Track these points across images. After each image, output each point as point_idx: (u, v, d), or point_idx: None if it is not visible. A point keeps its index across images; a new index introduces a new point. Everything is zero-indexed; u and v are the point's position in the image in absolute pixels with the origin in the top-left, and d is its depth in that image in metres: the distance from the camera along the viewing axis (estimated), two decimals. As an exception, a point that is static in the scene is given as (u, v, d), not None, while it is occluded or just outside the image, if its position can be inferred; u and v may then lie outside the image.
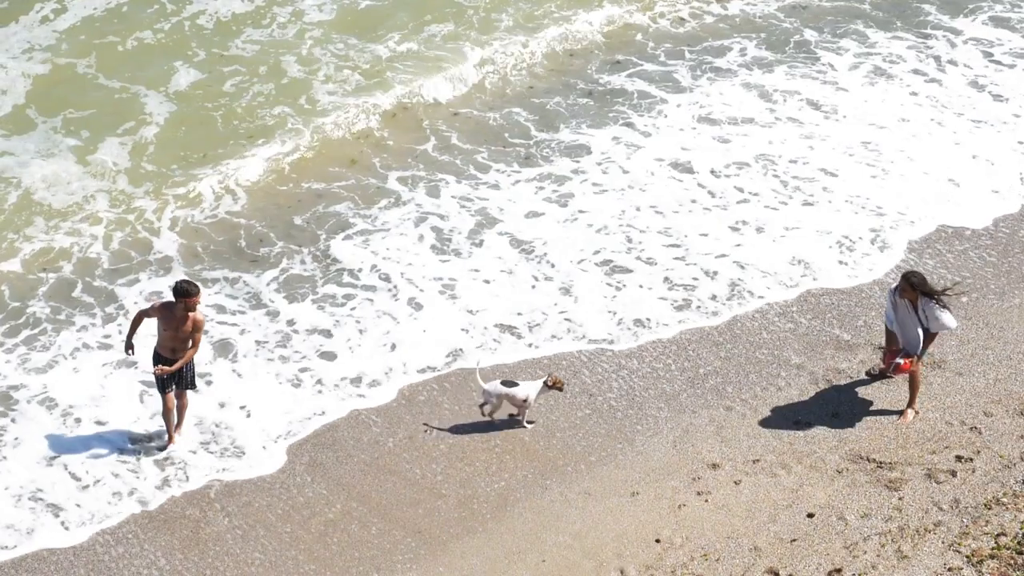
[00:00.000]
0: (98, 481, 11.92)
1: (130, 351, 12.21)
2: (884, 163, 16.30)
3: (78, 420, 12.53)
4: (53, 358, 13.30)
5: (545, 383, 12.31)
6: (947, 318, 12.01)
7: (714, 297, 14.08)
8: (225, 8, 19.20)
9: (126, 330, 12.45)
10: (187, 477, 11.98)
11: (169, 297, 12.14)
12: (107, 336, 13.62)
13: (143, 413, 12.63)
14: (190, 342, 11.83)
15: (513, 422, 12.41)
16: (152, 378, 12.21)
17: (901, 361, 12.03)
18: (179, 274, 14.23)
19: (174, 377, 11.99)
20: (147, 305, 12.42)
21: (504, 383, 12.36)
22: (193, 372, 12.16)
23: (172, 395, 12.08)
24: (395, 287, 14.36)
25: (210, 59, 18.20)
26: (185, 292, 11.58)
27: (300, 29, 18.87)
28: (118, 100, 17.38)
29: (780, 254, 14.74)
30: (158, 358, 11.96)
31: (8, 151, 16.43)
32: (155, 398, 12.48)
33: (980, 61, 18.44)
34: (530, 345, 13.45)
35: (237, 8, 19.24)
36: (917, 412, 12.32)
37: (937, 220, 15.20)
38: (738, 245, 14.93)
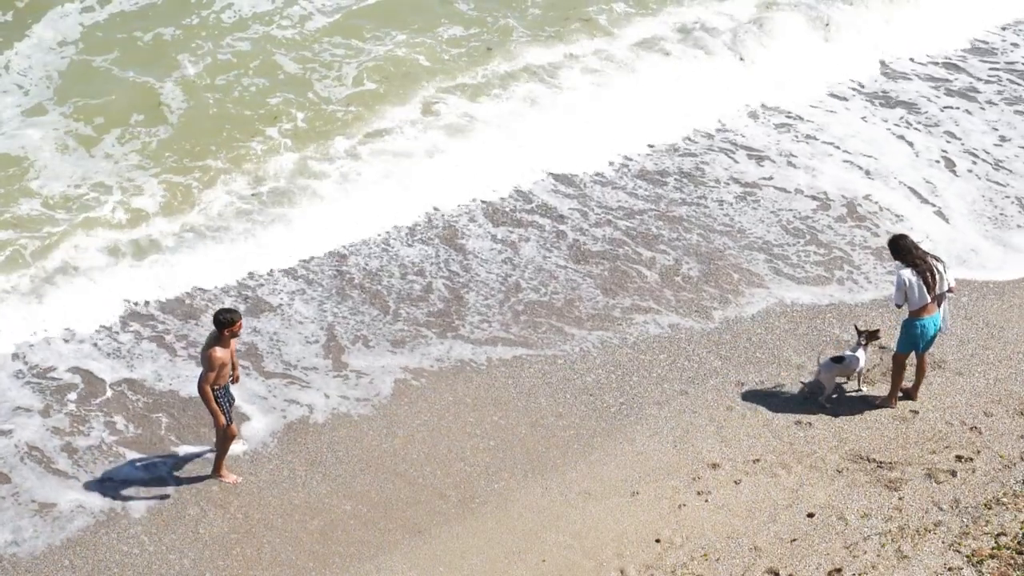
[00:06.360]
0: (98, 480, 11.94)
1: (232, 426, 11.73)
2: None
3: (65, 404, 12.57)
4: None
5: (861, 344, 12.35)
6: (896, 293, 11.96)
7: (681, 279, 13.91)
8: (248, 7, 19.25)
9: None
10: (186, 476, 11.99)
11: (199, 342, 12.03)
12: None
13: (142, 411, 12.66)
14: None
15: (510, 422, 12.46)
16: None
17: None
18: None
19: (232, 401, 11.86)
20: (204, 372, 11.47)
21: (834, 360, 12.42)
22: None
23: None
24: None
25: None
26: (230, 321, 11.42)
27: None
28: (133, 88, 17.50)
29: (772, 223, 14.57)
30: (217, 392, 11.58)
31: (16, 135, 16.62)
32: (175, 394, 12.51)
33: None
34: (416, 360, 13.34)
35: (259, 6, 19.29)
36: (893, 405, 12.40)
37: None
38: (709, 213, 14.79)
